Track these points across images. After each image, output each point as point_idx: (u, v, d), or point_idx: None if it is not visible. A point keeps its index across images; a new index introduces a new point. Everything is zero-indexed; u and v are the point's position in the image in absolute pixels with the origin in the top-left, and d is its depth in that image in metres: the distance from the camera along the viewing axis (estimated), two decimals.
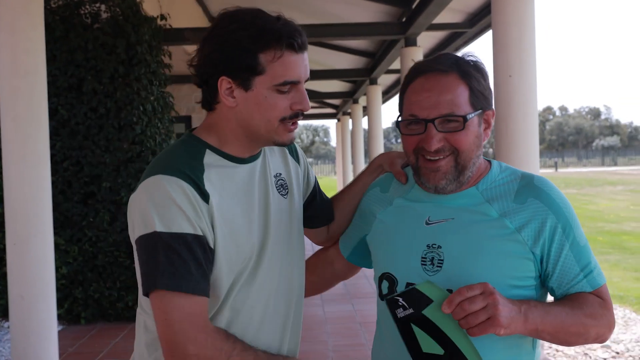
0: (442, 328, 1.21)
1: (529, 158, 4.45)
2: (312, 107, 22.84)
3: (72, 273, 6.05)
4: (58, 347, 4.51)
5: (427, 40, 9.92)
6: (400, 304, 1.23)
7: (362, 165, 16.93)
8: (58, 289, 4.87)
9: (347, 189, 1.85)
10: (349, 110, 19.62)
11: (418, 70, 1.46)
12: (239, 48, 1.37)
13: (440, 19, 8.14)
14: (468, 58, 1.46)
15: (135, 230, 1.38)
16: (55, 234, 5.39)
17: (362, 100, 16.47)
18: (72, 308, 6.12)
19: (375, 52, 11.45)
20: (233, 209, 1.44)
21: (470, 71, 1.43)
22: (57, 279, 5.12)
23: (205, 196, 1.38)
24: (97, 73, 6.00)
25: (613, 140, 79.17)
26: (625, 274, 8.97)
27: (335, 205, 1.83)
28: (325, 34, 8.42)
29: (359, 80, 14.40)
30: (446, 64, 1.43)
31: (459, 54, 1.50)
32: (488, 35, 5.08)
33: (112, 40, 5.96)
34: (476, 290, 1.23)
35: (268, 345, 1.50)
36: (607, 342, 5.68)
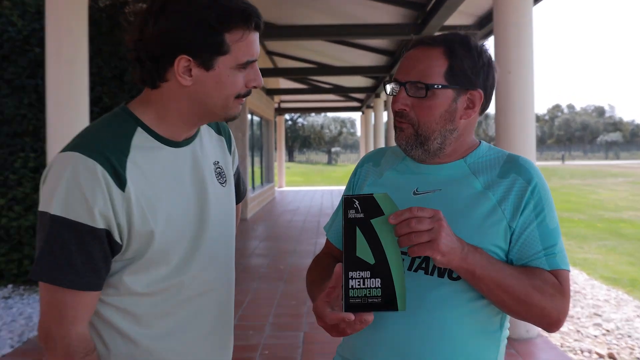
0: (381, 240, 1.14)
1: (524, 147, 4.31)
2: (338, 100, 22.66)
3: None
4: None
5: None
6: (355, 206, 1.15)
7: None
8: None
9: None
10: (372, 104, 19.46)
11: (412, 43, 1.42)
12: (204, 27, 1.20)
13: (452, 21, 7.97)
14: (468, 41, 1.36)
15: (40, 202, 1.21)
16: None
17: (384, 95, 16.29)
18: None
19: (394, 51, 11.28)
20: (159, 194, 1.26)
21: (457, 49, 1.34)
22: None
23: (122, 183, 1.19)
24: None
25: (616, 136, 77.43)
26: (620, 258, 8.75)
27: None
28: (348, 34, 8.35)
29: (380, 76, 14.23)
30: (437, 39, 1.36)
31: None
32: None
33: None
34: (426, 213, 1.15)
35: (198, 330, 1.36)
36: (599, 320, 5.49)
